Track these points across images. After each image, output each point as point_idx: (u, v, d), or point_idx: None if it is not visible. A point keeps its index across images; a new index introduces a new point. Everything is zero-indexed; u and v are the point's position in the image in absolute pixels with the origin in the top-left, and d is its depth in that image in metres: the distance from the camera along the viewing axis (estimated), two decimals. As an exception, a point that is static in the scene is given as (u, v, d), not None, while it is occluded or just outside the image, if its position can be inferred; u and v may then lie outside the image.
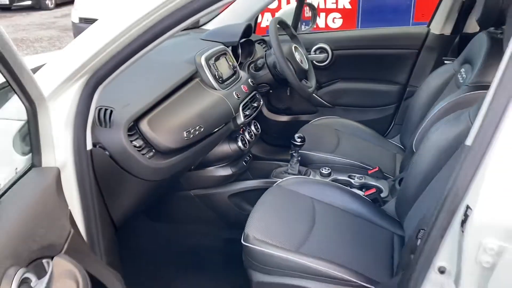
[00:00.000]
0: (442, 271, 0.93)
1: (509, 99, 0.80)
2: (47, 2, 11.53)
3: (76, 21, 6.20)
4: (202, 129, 1.42)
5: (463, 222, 0.85)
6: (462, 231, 0.85)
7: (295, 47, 2.00)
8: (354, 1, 5.35)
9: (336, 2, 5.41)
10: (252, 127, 1.91)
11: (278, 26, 1.97)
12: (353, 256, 1.32)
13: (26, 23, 9.61)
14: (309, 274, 1.25)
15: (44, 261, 0.80)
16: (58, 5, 11.70)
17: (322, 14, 5.43)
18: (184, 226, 1.89)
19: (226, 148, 1.75)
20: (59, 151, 1.05)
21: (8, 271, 0.66)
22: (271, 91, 2.08)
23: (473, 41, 1.71)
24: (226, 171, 1.80)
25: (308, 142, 1.92)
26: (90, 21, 5.80)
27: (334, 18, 5.45)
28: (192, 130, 1.38)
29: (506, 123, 0.80)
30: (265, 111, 2.44)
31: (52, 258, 0.83)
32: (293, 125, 2.36)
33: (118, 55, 1.04)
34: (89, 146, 1.11)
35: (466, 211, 0.84)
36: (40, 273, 0.77)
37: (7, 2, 11.11)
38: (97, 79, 1.06)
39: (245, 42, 2.12)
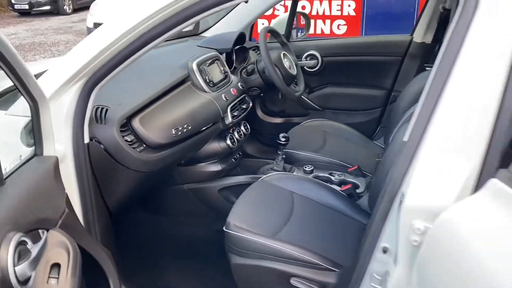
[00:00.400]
0: (385, 251, 1.07)
1: (437, 100, 0.94)
2: (65, 7, 11.89)
3: (91, 26, 6.46)
4: (190, 127, 1.58)
5: (399, 207, 0.98)
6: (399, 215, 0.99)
7: (283, 54, 2.15)
8: (359, 8, 5.47)
9: (341, 10, 5.53)
10: (242, 127, 2.07)
11: (270, 34, 2.13)
12: (324, 243, 1.45)
13: (45, 28, 9.94)
14: (281, 257, 1.39)
15: (40, 231, 0.96)
16: (75, 10, 12.05)
17: (327, 21, 5.57)
18: (178, 218, 2.05)
19: (215, 146, 1.91)
20: (60, 144, 1.22)
21: (8, 234, 0.82)
22: (262, 94, 2.24)
23: None
24: (216, 167, 1.96)
25: (295, 142, 2.07)
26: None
27: (339, 25, 5.57)
28: (180, 128, 1.54)
29: (434, 121, 0.94)
30: (260, 113, 2.59)
31: (47, 230, 0.99)
32: (286, 126, 2.50)
33: (111, 60, 1.21)
34: (86, 140, 1.29)
35: (401, 197, 0.98)
36: (36, 240, 0.93)
37: (27, 7, 11.51)
38: (93, 81, 1.23)
39: (239, 49, 2.28)
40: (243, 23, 2.43)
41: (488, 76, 0.90)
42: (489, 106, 0.89)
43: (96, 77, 1.23)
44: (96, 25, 6.36)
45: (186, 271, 1.90)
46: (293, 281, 1.39)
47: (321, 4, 5.51)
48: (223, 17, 2.47)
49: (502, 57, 0.88)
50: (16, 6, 11.58)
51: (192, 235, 2.03)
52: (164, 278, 1.78)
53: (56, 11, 11.70)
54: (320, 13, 5.56)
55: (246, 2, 1.33)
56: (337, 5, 5.53)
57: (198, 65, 1.79)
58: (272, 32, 2.20)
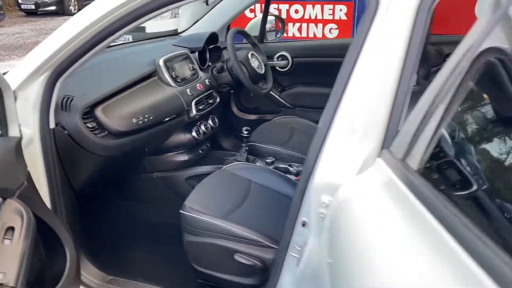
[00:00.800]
0: (304, 224, 1.21)
1: (343, 90, 1.08)
2: (70, 7, 12.14)
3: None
4: (151, 117, 1.74)
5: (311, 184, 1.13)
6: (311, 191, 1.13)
7: (252, 53, 2.31)
8: (350, 13, 5.61)
9: (333, 14, 5.67)
10: (210, 121, 2.22)
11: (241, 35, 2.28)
12: (268, 224, 1.59)
13: (50, 28, 10.18)
14: (227, 235, 1.53)
15: (-2, 199, 1.12)
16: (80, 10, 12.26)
17: (320, 25, 5.71)
18: (149, 204, 2.20)
19: (182, 137, 2.06)
20: (28, 128, 1.39)
21: None
22: (232, 91, 2.39)
23: None
24: (183, 157, 2.11)
25: (263, 136, 2.21)
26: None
27: (331, 28, 5.71)
28: (141, 118, 1.70)
29: (340, 108, 1.09)
30: (235, 110, 2.75)
31: (5, 199, 1.15)
32: (259, 123, 2.64)
33: (73, 54, 1.37)
34: (51, 125, 1.44)
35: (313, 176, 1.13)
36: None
37: (33, 7, 11.77)
38: (57, 73, 1.39)
39: (213, 48, 2.44)
40: (219, 23, 2.58)
41: (384, 70, 1.04)
42: (386, 96, 1.03)
43: (59, 69, 1.39)
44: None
45: (152, 253, 2.02)
46: (236, 256, 1.53)
47: (313, 9, 5.66)
48: (201, 18, 2.63)
49: (396, 53, 1.02)
50: (22, 6, 11.86)
51: (160, 220, 2.17)
52: (129, 258, 1.93)
53: (62, 12, 11.96)
54: (313, 17, 5.70)
55: (207, 4, 1.49)
56: (329, 9, 5.68)
57: (165, 61, 1.95)
58: (242, 33, 2.36)
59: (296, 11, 5.66)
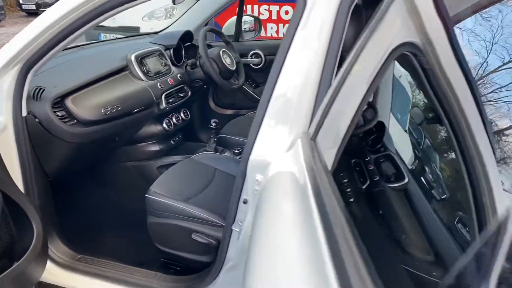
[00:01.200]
0: (245, 202, 1.34)
1: (276, 81, 1.21)
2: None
3: (88, 26, 6.79)
4: (119, 108, 1.87)
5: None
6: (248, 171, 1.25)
7: (223, 51, 2.44)
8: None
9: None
10: (181, 114, 2.36)
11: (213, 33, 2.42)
12: (226, 206, 1.71)
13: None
14: (186, 216, 1.66)
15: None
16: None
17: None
18: (123, 192, 2.33)
19: (153, 128, 2.20)
20: (1, 116, 1.52)
21: None
22: (205, 86, 2.52)
23: None
24: (155, 147, 2.25)
25: (235, 129, 2.34)
26: (99, 27, 6.39)
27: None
28: (110, 108, 1.83)
29: (272, 98, 1.22)
30: (212, 105, 2.89)
31: None
32: (235, 117, 2.78)
33: (42, 48, 1.50)
34: (24, 113, 1.58)
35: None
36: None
37: (34, 8, 11.96)
38: (28, 65, 1.53)
39: (190, 46, 2.57)
40: (196, 23, 2.72)
41: (308, 64, 1.17)
42: (310, 87, 1.15)
43: (30, 62, 1.52)
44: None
45: (122, 235, 2.15)
46: (194, 236, 1.66)
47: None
48: (179, 18, 2.77)
49: (319, 49, 1.14)
50: (23, 6, 12.06)
51: (132, 206, 2.29)
52: (100, 240, 2.06)
53: (62, 12, 12.10)
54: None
55: (174, 3, 1.61)
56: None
57: (137, 57, 2.09)
58: (215, 32, 2.49)
59: (286, 12, 5.78)
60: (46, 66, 1.82)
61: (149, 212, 1.76)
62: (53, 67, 1.89)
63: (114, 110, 1.85)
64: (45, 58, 1.53)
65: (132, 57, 2.07)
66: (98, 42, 2.47)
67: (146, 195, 1.76)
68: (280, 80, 1.21)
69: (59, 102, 1.71)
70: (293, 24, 1.20)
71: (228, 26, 2.87)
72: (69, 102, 1.73)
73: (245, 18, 2.97)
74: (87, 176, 2.24)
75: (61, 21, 1.45)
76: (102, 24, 5.75)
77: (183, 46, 2.51)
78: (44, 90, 1.68)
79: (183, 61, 2.50)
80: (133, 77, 2.06)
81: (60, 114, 1.69)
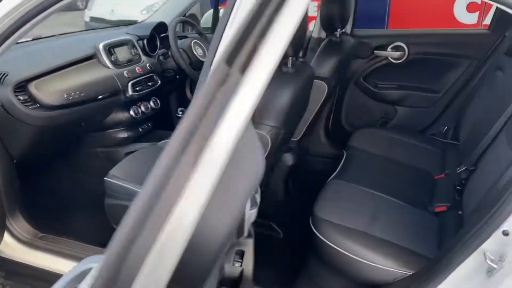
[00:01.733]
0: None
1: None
2: (78, 3, 12.41)
3: (88, 20, 6.93)
4: (82, 94, 1.95)
5: None
6: None
7: (195, 42, 2.51)
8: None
9: (318, 11, 5.82)
10: (151, 102, 2.44)
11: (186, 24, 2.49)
12: None
13: (57, 23, 10.44)
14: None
15: None
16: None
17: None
18: (93, 176, 2.41)
19: (120, 115, 2.28)
20: None
21: None
22: (177, 76, 2.60)
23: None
24: (123, 134, 2.33)
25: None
26: (98, 20, 6.52)
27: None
28: (72, 94, 1.92)
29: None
30: (189, 95, 2.96)
31: None
32: None
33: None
34: None
35: None
36: None
37: None
38: None
39: (165, 37, 2.64)
40: (172, 15, 2.80)
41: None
42: None
43: None
44: (92, 19, 6.83)
45: (87, 217, 2.20)
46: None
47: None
48: (156, 10, 2.85)
49: None
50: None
51: (99, 190, 2.38)
52: (64, 220, 2.13)
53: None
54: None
55: None
56: (314, 6, 5.83)
57: (105, 46, 2.17)
58: (188, 23, 2.56)
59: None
60: (15, 52, 1.92)
61: (107, 194, 1.84)
62: (23, 54, 1.98)
63: (77, 96, 1.93)
64: (4, 45, 1.61)
65: (100, 46, 2.15)
66: (73, 32, 2.55)
67: (104, 178, 1.83)
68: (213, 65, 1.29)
69: (22, 87, 1.80)
70: (226, 16, 1.27)
71: (206, 18, 2.94)
72: (32, 87, 1.81)
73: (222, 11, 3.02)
74: (57, 160, 2.32)
75: (14, 12, 1.53)
76: (100, 17, 5.87)
77: (158, 37, 2.58)
78: (7, 75, 1.76)
79: (157, 52, 2.57)
80: (100, 65, 2.14)
81: (22, 98, 1.78)
